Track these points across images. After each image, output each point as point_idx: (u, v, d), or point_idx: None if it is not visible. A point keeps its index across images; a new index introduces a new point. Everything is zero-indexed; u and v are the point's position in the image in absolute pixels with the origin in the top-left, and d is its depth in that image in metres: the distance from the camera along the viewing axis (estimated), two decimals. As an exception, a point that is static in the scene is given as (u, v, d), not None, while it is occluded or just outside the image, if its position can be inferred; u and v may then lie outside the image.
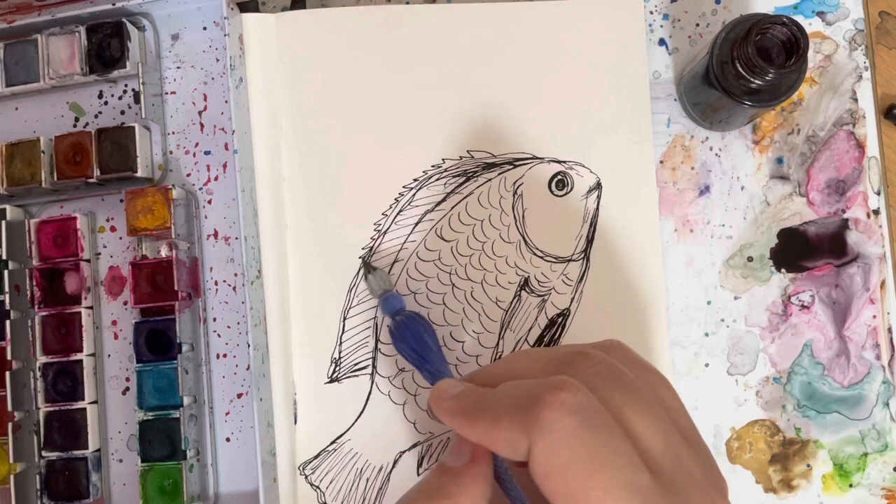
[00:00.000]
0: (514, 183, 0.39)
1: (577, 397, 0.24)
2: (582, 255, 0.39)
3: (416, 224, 0.39)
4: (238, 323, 0.39)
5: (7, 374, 0.38)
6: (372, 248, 0.39)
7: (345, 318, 0.39)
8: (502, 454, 0.26)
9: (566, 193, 0.39)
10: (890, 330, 0.38)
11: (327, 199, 0.39)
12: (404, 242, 0.39)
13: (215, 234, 0.39)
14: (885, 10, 0.44)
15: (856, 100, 0.39)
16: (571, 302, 0.39)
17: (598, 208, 0.39)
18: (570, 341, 0.38)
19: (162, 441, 0.37)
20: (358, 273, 0.39)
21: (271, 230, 0.38)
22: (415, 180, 0.39)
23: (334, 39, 0.40)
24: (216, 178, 0.40)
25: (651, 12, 0.40)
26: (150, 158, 0.39)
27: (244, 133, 0.38)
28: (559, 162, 0.39)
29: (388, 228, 0.39)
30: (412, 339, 0.35)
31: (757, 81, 0.33)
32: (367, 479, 0.38)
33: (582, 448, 0.23)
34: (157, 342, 0.38)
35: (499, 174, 0.39)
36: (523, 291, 0.39)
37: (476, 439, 0.26)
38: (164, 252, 0.39)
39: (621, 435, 0.24)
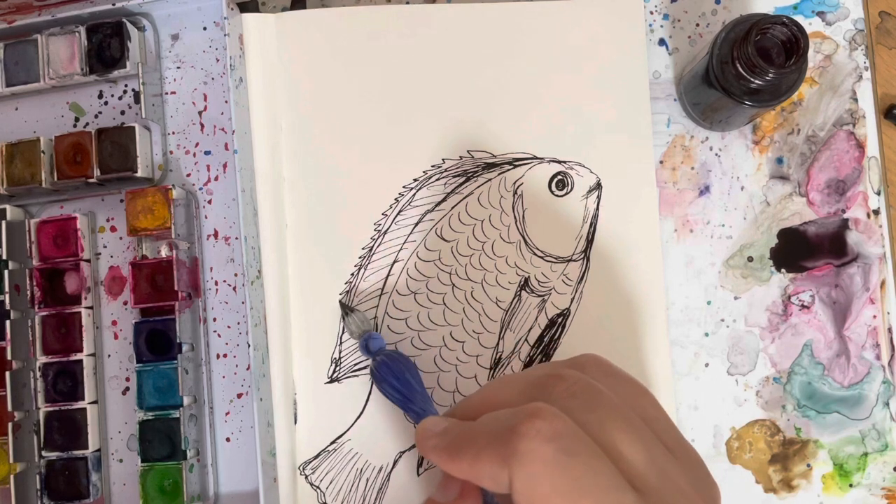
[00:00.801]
0: (514, 183, 0.39)
1: (553, 424, 0.24)
2: (582, 255, 0.39)
3: (416, 224, 0.39)
4: (238, 323, 0.39)
5: (7, 374, 0.38)
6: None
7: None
8: (487, 488, 0.25)
9: (566, 193, 0.39)
10: (890, 330, 0.38)
11: (327, 199, 0.39)
12: (404, 242, 0.39)
13: (215, 234, 0.39)
14: (885, 10, 0.44)
15: (856, 100, 0.39)
16: (571, 302, 0.39)
17: (598, 208, 0.39)
18: (570, 341, 0.38)
19: (162, 441, 0.37)
20: (358, 273, 0.39)
21: (271, 230, 0.38)
22: (415, 180, 0.39)
23: (334, 39, 0.40)
24: (216, 178, 0.40)
25: (651, 12, 0.40)
26: (150, 158, 0.39)
27: (244, 133, 0.38)
28: (559, 162, 0.39)
29: (388, 228, 0.39)
30: (394, 379, 0.35)
31: (757, 81, 0.33)
32: (367, 479, 0.38)
33: (562, 476, 0.23)
34: (157, 342, 0.38)
35: (499, 174, 0.39)
36: (523, 291, 0.39)
37: (461, 475, 0.26)
38: (164, 252, 0.39)
39: (602, 457, 0.24)
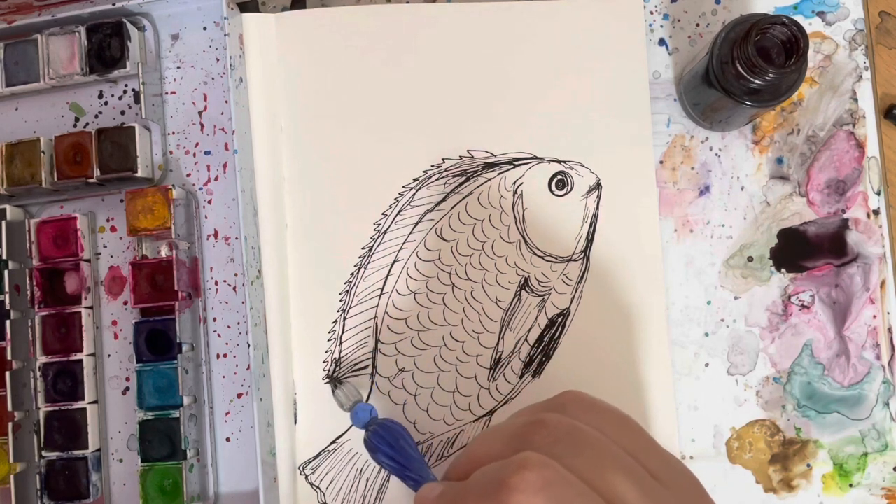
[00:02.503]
0: (514, 183, 0.39)
1: (541, 473, 0.24)
2: (582, 255, 0.39)
3: (416, 224, 0.39)
4: (238, 323, 0.39)
5: (7, 374, 0.38)
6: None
7: (345, 318, 0.39)
8: None
9: (566, 193, 0.39)
10: (890, 330, 0.38)
11: (327, 199, 0.39)
12: (404, 242, 0.39)
13: (215, 234, 0.39)
14: (885, 10, 0.44)
15: (856, 100, 0.39)
16: (571, 302, 0.39)
17: (598, 208, 0.39)
18: (570, 341, 0.38)
19: (162, 441, 0.37)
20: (358, 273, 0.39)
21: (271, 230, 0.38)
22: (415, 180, 0.39)
23: (334, 39, 0.40)
24: (216, 178, 0.40)
25: (651, 12, 0.40)
26: (150, 158, 0.39)
27: (244, 133, 0.38)
28: (559, 162, 0.39)
29: (388, 228, 0.39)
30: (389, 448, 0.35)
31: (757, 81, 0.33)
32: (367, 479, 0.38)
33: None
34: (157, 342, 0.38)
35: (499, 174, 0.39)
36: (523, 291, 0.39)
37: None
38: (164, 252, 0.39)
39: (594, 500, 0.24)
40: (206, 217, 0.40)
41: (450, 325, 0.39)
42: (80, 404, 0.38)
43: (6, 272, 0.39)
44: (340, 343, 0.39)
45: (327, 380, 0.38)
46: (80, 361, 0.38)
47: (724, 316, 0.39)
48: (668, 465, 0.27)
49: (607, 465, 0.25)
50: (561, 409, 0.28)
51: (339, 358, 0.39)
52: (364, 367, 0.39)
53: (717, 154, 0.39)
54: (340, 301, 0.39)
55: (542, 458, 0.24)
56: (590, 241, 0.39)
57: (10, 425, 0.38)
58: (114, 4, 0.38)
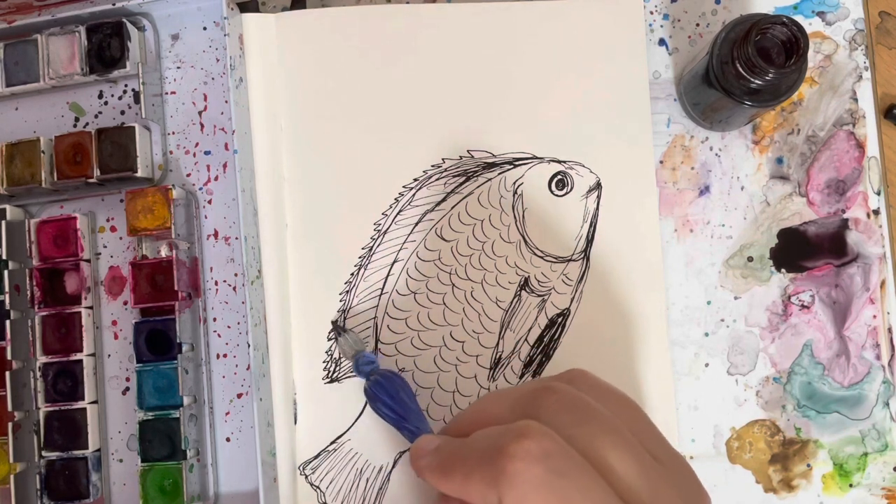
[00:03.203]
0: (514, 183, 0.39)
1: (541, 443, 0.24)
2: (582, 255, 0.39)
3: (416, 224, 0.39)
4: (238, 323, 0.39)
5: (7, 374, 0.38)
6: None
7: (345, 318, 0.39)
8: None
9: (566, 193, 0.39)
10: (890, 330, 0.38)
11: (327, 199, 0.39)
12: (404, 242, 0.39)
13: (215, 234, 0.39)
14: (885, 10, 0.44)
15: (856, 100, 0.39)
16: (571, 302, 0.39)
17: (598, 208, 0.39)
18: (570, 341, 0.38)
19: (162, 441, 0.37)
20: (358, 273, 0.39)
21: (271, 230, 0.38)
22: (415, 180, 0.39)
23: (334, 39, 0.40)
24: (216, 178, 0.40)
25: (651, 12, 0.40)
26: (150, 158, 0.39)
27: (244, 133, 0.38)
28: (559, 162, 0.39)
29: (388, 228, 0.39)
30: (389, 398, 0.35)
31: (757, 81, 0.33)
32: (367, 479, 0.38)
33: (552, 496, 0.23)
34: (157, 342, 0.38)
35: (499, 174, 0.39)
36: (523, 291, 0.39)
37: (453, 494, 0.26)
38: (164, 252, 0.39)
39: (592, 474, 0.24)
40: (206, 217, 0.40)
41: (450, 325, 0.39)
42: (80, 404, 0.38)
43: (6, 272, 0.39)
44: (340, 343, 0.39)
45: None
46: (80, 361, 0.38)
47: (724, 316, 0.39)
48: (667, 450, 0.27)
49: (609, 438, 0.25)
50: (568, 382, 0.28)
51: (340, 357, 0.39)
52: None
53: (717, 154, 0.39)
54: (340, 301, 0.39)
55: (542, 427, 0.24)
56: (590, 241, 0.39)
57: (10, 425, 0.38)
58: (114, 4, 0.38)
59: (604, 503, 0.23)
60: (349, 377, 0.39)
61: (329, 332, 0.39)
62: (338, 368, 0.39)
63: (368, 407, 0.38)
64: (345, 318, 0.38)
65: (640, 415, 0.27)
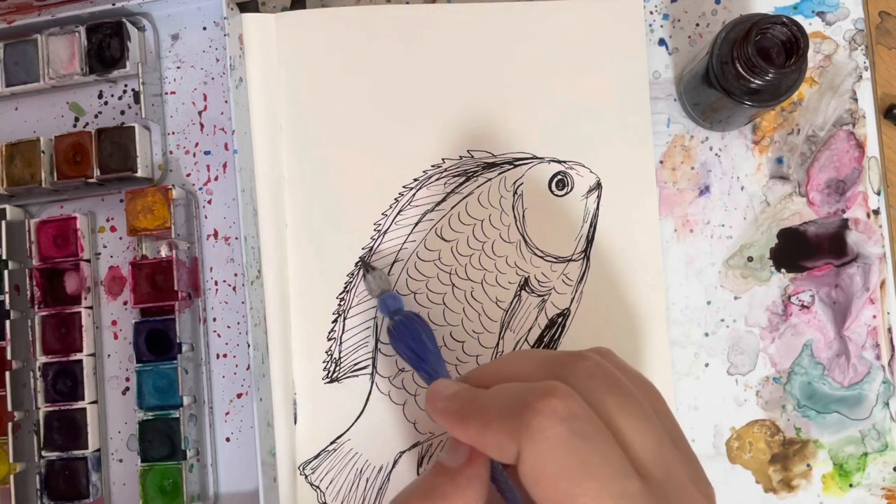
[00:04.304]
0: (514, 183, 0.39)
1: (567, 404, 0.24)
2: (582, 255, 0.39)
3: (416, 224, 0.39)
4: (238, 323, 0.39)
5: (7, 374, 0.38)
6: (371, 247, 0.39)
7: (345, 318, 0.39)
8: (493, 457, 0.26)
9: (566, 193, 0.39)
10: (890, 330, 0.38)
11: (327, 199, 0.39)
12: (404, 242, 0.39)
13: (215, 234, 0.39)
14: (885, 10, 0.44)
15: (856, 100, 0.39)
16: (571, 302, 0.39)
17: (598, 208, 0.39)
18: (570, 341, 0.38)
19: (162, 441, 0.37)
20: (358, 273, 0.39)
21: (271, 230, 0.38)
22: (415, 180, 0.39)
23: (334, 39, 0.40)
24: (216, 178, 0.40)
25: (651, 12, 0.40)
26: (150, 158, 0.39)
27: (244, 133, 0.38)
28: (559, 162, 0.39)
29: (388, 228, 0.39)
30: (410, 339, 0.35)
31: (757, 81, 0.33)
32: (367, 479, 0.38)
33: (571, 457, 0.23)
34: (157, 342, 0.38)
35: (499, 174, 0.39)
36: (523, 291, 0.39)
37: (468, 441, 0.27)
38: (164, 252, 0.39)
39: (612, 442, 0.24)
40: (206, 217, 0.40)
41: (450, 325, 0.39)
42: (79, 404, 0.38)
43: (6, 272, 0.39)
44: (340, 343, 0.39)
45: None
46: (80, 361, 0.38)
47: (724, 316, 0.39)
48: (682, 438, 0.27)
49: (632, 412, 0.25)
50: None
51: (339, 358, 0.39)
52: (364, 367, 0.39)
53: (717, 154, 0.39)
54: (340, 301, 0.39)
55: (570, 390, 0.25)
56: (590, 241, 0.39)
57: (10, 425, 0.38)
58: (114, 4, 0.38)
59: (620, 472, 0.23)
60: (349, 377, 0.39)
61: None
62: (338, 368, 0.39)
63: (368, 407, 0.38)
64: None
65: (661, 400, 0.28)
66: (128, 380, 0.39)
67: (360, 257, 0.39)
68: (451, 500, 0.26)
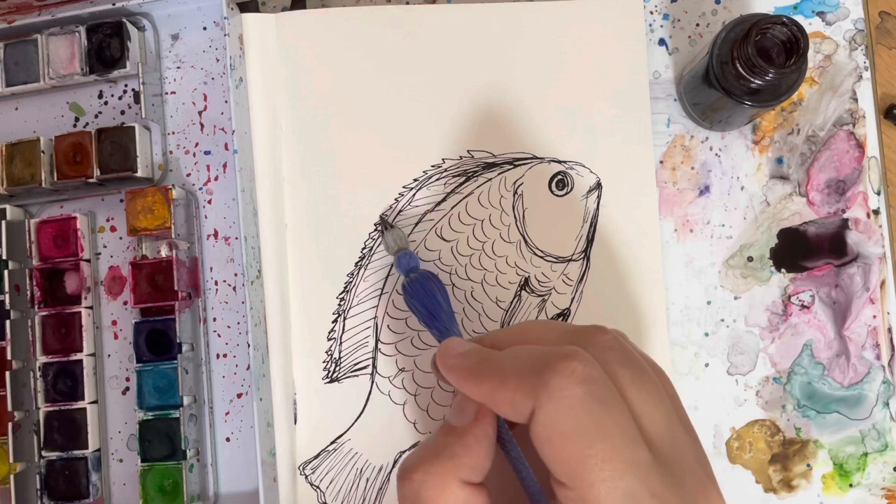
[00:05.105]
0: (515, 183, 0.39)
1: (587, 368, 0.25)
2: (582, 255, 0.39)
3: (416, 224, 0.39)
4: (238, 323, 0.39)
5: (7, 374, 0.38)
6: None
7: (345, 318, 0.39)
8: (503, 415, 0.26)
9: (566, 193, 0.39)
10: (890, 330, 0.38)
11: (327, 199, 0.39)
12: (404, 242, 0.39)
13: (215, 234, 0.39)
14: (885, 10, 0.44)
15: (856, 100, 0.39)
16: (571, 302, 0.39)
17: (598, 208, 0.39)
18: (570, 341, 0.38)
19: (162, 441, 0.37)
20: (358, 273, 0.39)
21: (271, 230, 0.38)
22: (415, 180, 0.39)
23: (334, 40, 0.40)
24: (216, 178, 0.40)
25: (651, 12, 0.40)
26: (150, 158, 0.39)
27: (244, 133, 0.38)
28: (559, 162, 0.39)
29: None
30: (424, 296, 0.35)
31: (757, 81, 0.33)
32: (367, 479, 0.38)
33: (586, 418, 0.24)
34: (157, 342, 0.38)
35: (499, 174, 0.39)
36: (523, 291, 0.39)
37: (479, 398, 0.27)
38: (164, 252, 0.39)
39: (626, 411, 0.25)
40: (206, 217, 0.40)
41: (450, 325, 0.39)
42: (80, 404, 0.38)
43: (6, 272, 0.39)
44: (340, 343, 0.39)
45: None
46: (80, 361, 0.38)
47: (724, 316, 0.39)
48: (689, 422, 0.28)
49: (646, 387, 0.26)
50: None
51: (339, 358, 0.39)
52: (364, 367, 0.39)
53: (717, 154, 0.39)
54: (340, 301, 0.39)
55: (589, 356, 0.25)
56: (590, 241, 0.39)
57: (10, 425, 0.38)
58: (114, 4, 0.38)
59: (630, 440, 0.24)
60: (349, 377, 0.39)
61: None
62: (338, 368, 0.39)
63: (368, 407, 0.38)
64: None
65: (672, 385, 0.28)
66: (128, 380, 0.39)
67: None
68: (459, 458, 0.26)
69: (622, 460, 0.23)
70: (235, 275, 0.39)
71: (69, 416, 0.38)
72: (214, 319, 0.39)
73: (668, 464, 0.24)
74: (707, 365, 0.39)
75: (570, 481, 0.24)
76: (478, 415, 0.27)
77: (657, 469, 0.24)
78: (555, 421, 0.24)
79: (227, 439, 0.39)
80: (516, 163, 0.39)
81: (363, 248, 0.39)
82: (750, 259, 0.39)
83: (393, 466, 0.38)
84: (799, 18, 0.39)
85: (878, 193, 0.39)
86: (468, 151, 0.39)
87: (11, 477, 0.38)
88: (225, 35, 0.37)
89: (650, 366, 0.28)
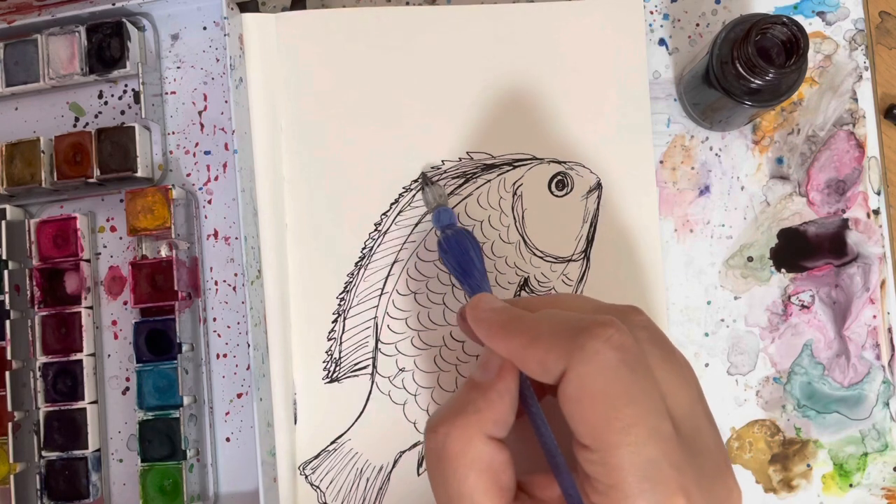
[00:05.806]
0: (514, 184, 0.39)
1: (622, 337, 0.25)
2: (582, 255, 0.39)
3: (416, 224, 0.39)
4: (238, 323, 0.39)
5: (7, 374, 0.38)
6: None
7: (345, 318, 0.39)
8: (529, 373, 0.27)
9: (566, 194, 0.39)
10: (890, 330, 0.38)
11: (327, 199, 0.39)
12: (404, 243, 0.39)
13: (215, 234, 0.39)
14: (885, 10, 0.44)
15: (856, 100, 0.39)
16: (571, 302, 0.39)
17: (598, 208, 0.39)
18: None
19: (162, 441, 0.37)
20: (358, 273, 0.39)
21: (271, 230, 0.38)
22: (414, 182, 0.39)
23: (334, 40, 0.40)
24: (216, 178, 0.40)
25: (651, 12, 0.40)
26: (150, 158, 0.39)
27: (244, 133, 0.38)
28: (559, 162, 0.39)
29: (388, 229, 0.39)
30: (459, 252, 0.36)
31: (757, 81, 0.33)
32: (367, 479, 0.38)
33: (617, 382, 0.24)
34: (157, 342, 0.38)
35: (498, 175, 0.39)
36: (523, 292, 0.39)
37: (507, 354, 0.27)
38: (164, 252, 0.39)
39: (655, 383, 0.25)
40: (206, 217, 0.40)
41: (450, 325, 0.39)
42: (79, 404, 0.38)
43: (6, 272, 0.39)
44: (340, 343, 0.39)
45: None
46: (80, 361, 0.38)
47: (724, 316, 0.39)
48: (709, 410, 0.28)
49: (676, 368, 0.26)
50: None
51: (339, 358, 0.39)
52: (364, 367, 0.39)
53: (717, 154, 0.39)
54: (340, 301, 0.39)
55: (625, 328, 0.26)
56: (590, 241, 0.39)
57: (10, 425, 0.38)
58: (114, 4, 0.38)
59: (656, 410, 0.24)
60: (349, 377, 0.39)
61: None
62: (338, 368, 0.39)
63: (368, 407, 0.38)
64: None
65: (695, 376, 0.29)
66: (128, 380, 0.39)
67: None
68: (483, 413, 0.27)
69: (647, 427, 0.24)
70: (235, 275, 0.39)
71: (69, 416, 0.38)
72: (214, 319, 0.39)
73: (688, 443, 0.25)
74: (707, 365, 0.39)
75: (593, 443, 0.24)
76: (501, 371, 0.28)
77: (678, 444, 0.24)
78: (586, 382, 0.24)
79: (227, 439, 0.39)
80: (516, 164, 0.39)
81: (363, 248, 0.39)
82: (750, 259, 0.39)
83: (393, 466, 0.38)
84: (799, 18, 0.39)
85: (878, 193, 0.39)
86: (467, 153, 0.39)
87: (11, 477, 0.38)
88: (225, 35, 0.37)
89: (679, 353, 0.29)
